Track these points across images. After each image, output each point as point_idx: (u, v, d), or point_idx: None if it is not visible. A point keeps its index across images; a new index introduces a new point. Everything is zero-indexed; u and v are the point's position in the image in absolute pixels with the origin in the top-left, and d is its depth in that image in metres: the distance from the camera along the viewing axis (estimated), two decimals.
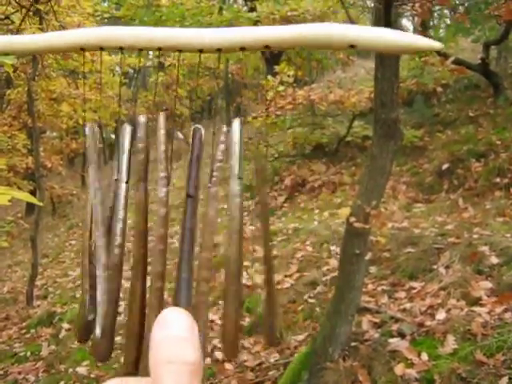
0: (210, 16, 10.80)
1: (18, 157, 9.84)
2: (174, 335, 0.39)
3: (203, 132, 0.72)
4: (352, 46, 0.63)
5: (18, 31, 5.68)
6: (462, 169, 6.52)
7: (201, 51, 0.66)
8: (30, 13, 6.11)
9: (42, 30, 5.38)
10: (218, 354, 4.39)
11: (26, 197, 1.70)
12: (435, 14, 13.27)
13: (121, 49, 0.68)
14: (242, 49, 0.66)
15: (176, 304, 0.69)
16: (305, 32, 0.63)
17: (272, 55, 11.30)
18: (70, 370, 4.64)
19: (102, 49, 0.68)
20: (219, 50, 0.66)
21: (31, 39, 0.72)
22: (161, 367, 0.38)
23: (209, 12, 11.21)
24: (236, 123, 0.72)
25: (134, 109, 17.37)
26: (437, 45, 0.64)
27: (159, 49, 0.67)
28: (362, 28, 0.63)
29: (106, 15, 13.47)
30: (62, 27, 5.84)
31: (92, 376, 4.50)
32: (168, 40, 0.66)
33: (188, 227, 0.71)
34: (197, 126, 0.72)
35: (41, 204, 1.80)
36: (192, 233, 0.71)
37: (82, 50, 0.69)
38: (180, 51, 0.67)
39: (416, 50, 0.64)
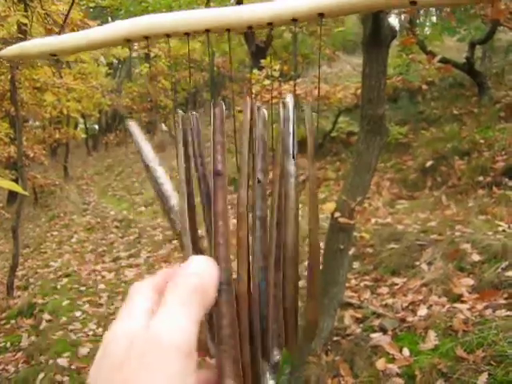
0: (198, 7, 10.75)
1: (0, 146, 9.73)
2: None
3: (266, 112, 0.70)
4: (413, 3, 0.59)
5: (3, 19, 5.60)
6: (446, 166, 6.57)
7: (250, 28, 0.64)
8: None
9: (27, 17, 5.31)
10: None
11: (10, 185, 1.68)
12: (421, 12, 13.32)
13: (167, 36, 0.67)
14: (295, 20, 0.62)
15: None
16: None
17: (258, 49, 11.27)
18: (51, 361, 4.60)
19: (146, 38, 0.67)
20: (270, 24, 0.63)
21: (72, 37, 0.71)
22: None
23: (196, 4, 11.16)
24: (289, 99, 0.70)
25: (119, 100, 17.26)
26: None
27: (207, 30, 0.65)
28: None
29: (91, 4, 13.36)
30: (47, 15, 5.77)
31: (72, 367, 4.47)
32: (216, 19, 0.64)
33: (258, 215, 0.68)
34: (258, 104, 0.69)
35: (26, 194, 1.78)
36: (263, 221, 0.67)
37: (128, 41, 0.68)
38: (229, 30, 0.65)
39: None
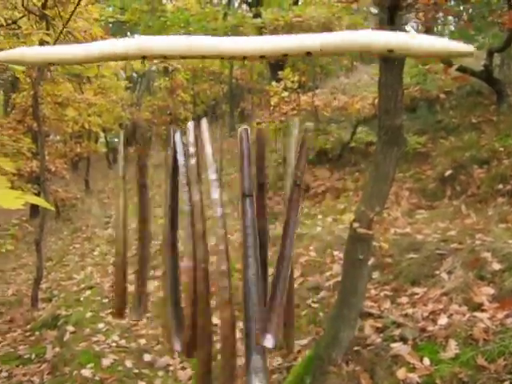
0: (215, 22, 10.87)
1: (23, 160, 9.89)
2: None
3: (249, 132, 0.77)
4: (390, 51, 0.66)
5: (26, 36, 5.74)
6: (465, 175, 6.55)
7: (245, 58, 0.70)
8: (37, 17, 6.17)
9: (49, 35, 5.44)
10: None
11: (37, 200, 1.75)
12: (439, 21, 13.31)
13: (164, 57, 0.72)
14: (285, 55, 0.70)
15: (245, 300, 0.72)
16: (347, 39, 0.67)
17: (276, 60, 11.35)
18: (75, 372, 4.67)
19: (144, 57, 0.72)
20: (262, 57, 0.70)
21: (70, 49, 0.76)
22: None
23: (213, 17, 11.28)
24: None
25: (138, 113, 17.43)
26: (468, 48, 0.67)
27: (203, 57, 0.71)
28: (399, 35, 0.67)
29: (110, 19, 13.57)
30: (69, 32, 5.90)
31: (96, 378, 4.53)
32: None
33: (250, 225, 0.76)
34: (244, 127, 0.77)
35: (51, 208, 1.84)
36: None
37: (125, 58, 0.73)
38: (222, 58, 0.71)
39: (449, 54, 0.67)
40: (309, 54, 0.70)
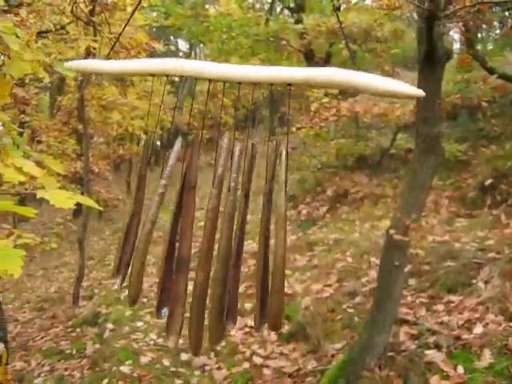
0: (257, 27, 10.95)
1: (67, 161, 10.14)
2: None
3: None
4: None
5: (74, 42, 5.92)
6: (506, 184, 6.48)
7: (241, 84, 0.81)
8: (81, 22, 6.34)
9: (96, 41, 5.60)
10: (257, 359, 4.50)
11: (87, 201, 1.85)
12: (483, 27, 13.14)
13: (182, 77, 0.85)
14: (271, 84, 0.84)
15: None
16: (314, 75, 0.79)
17: (317, 66, 11.35)
18: (114, 368, 4.79)
19: (167, 76, 0.86)
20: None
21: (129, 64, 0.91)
22: None
23: (256, 23, 11.36)
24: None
25: (180, 116, 17.64)
26: (415, 92, 0.76)
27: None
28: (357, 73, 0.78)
29: (154, 24, 13.79)
30: (115, 38, 6.04)
31: (134, 375, 4.65)
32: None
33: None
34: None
35: (100, 208, 1.94)
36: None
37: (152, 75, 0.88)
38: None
39: (394, 95, 0.77)
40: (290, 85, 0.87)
